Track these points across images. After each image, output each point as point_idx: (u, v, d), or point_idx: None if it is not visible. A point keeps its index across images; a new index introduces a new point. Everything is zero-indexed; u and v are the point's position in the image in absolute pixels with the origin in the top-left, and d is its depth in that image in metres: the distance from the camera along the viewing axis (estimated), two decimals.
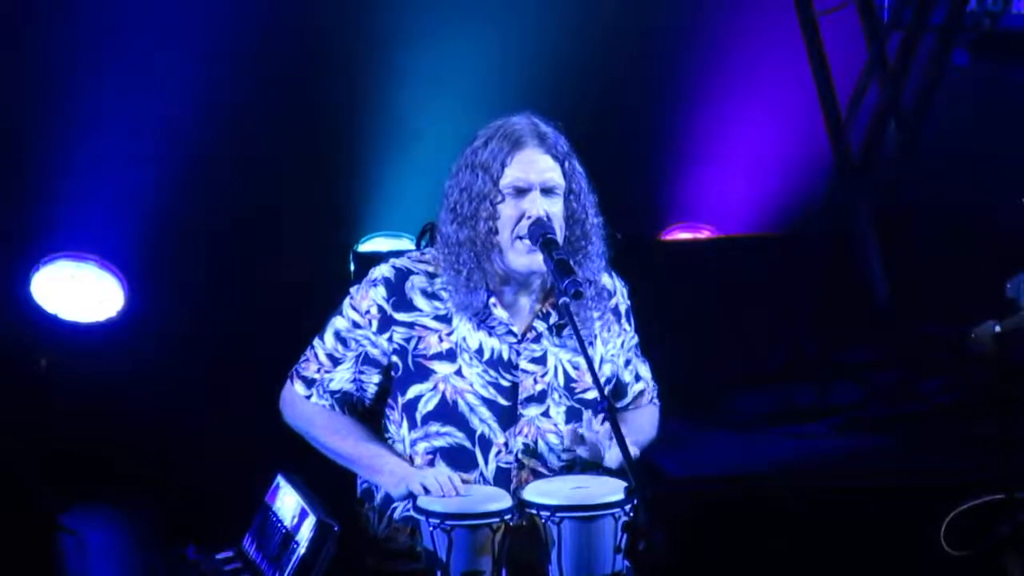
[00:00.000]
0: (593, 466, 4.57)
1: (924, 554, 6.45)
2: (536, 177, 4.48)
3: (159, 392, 8.16)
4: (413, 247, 4.72)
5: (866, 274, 9.03)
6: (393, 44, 8.75)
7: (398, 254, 4.69)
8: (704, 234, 9.76)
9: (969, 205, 9.29)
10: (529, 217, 4.46)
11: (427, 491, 4.37)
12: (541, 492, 4.38)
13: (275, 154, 8.61)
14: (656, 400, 4.87)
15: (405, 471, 4.50)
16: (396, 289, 4.58)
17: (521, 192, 4.48)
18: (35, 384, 8.11)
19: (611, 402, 4.36)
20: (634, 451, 4.38)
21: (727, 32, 9.42)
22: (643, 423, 4.77)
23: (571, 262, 4.42)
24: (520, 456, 4.55)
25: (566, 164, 4.51)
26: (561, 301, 4.39)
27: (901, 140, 9.07)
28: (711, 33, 9.42)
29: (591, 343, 4.62)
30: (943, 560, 6.27)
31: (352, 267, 8.51)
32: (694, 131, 9.55)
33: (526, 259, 4.49)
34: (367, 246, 8.81)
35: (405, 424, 4.56)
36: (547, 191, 4.49)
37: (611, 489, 4.33)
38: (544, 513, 4.30)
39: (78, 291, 8.38)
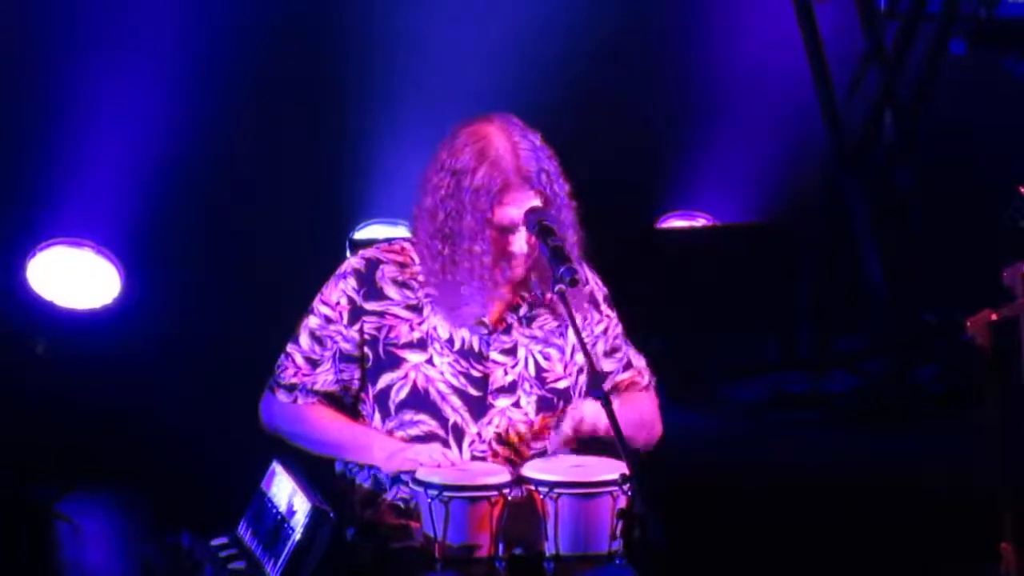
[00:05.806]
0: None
1: (920, 543, 6.46)
2: (521, 216, 4.50)
3: (155, 378, 8.16)
4: (409, 234, 4.71)
5: (862, 263, 9.04)
6: (389, 28, 8.74)
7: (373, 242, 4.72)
8: (700, 222, 9.76)
9: (965, 194, 9.29)
10: (513, 252, 4.48)
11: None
12: (540, 468, 4.40)
13: (271, 141, 8.60)
14: (652, 390, 4.80)
15: (394, 445, 4.51)
16: (367, 279, 4.59)
17: (507, 230, 4.50)
18: (31, 371, 8.11)
19: (606, 393, 4.33)
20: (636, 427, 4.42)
21: (724, 20, 9.41)
22: (640, 405, 4.72)
23: (566, 249, 4.43)
24: (493, 445, 4.56)
25: (548, 189, 4.52)
26: (557, 288, 4.40)
27: (897, 129, 9.08)
28: (708, 21, 9.42)
29: (562, 334, 4.63)
30: (938, 549, 6.29)
31: (348, 254, 8.50)
32: (690, 119, 9.55)
33: (502, 278, 4.52)
34: (363, 233, 8.81)
35: (377, 415, 4.57)
36: None
37: (611, 468, 4.35)
38: (542, 489, 4.32)
39: (74, 277, 8.37)
